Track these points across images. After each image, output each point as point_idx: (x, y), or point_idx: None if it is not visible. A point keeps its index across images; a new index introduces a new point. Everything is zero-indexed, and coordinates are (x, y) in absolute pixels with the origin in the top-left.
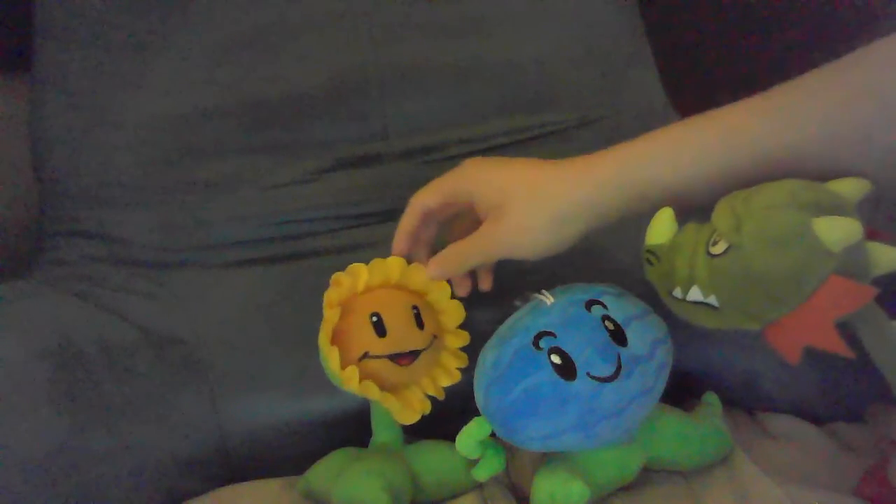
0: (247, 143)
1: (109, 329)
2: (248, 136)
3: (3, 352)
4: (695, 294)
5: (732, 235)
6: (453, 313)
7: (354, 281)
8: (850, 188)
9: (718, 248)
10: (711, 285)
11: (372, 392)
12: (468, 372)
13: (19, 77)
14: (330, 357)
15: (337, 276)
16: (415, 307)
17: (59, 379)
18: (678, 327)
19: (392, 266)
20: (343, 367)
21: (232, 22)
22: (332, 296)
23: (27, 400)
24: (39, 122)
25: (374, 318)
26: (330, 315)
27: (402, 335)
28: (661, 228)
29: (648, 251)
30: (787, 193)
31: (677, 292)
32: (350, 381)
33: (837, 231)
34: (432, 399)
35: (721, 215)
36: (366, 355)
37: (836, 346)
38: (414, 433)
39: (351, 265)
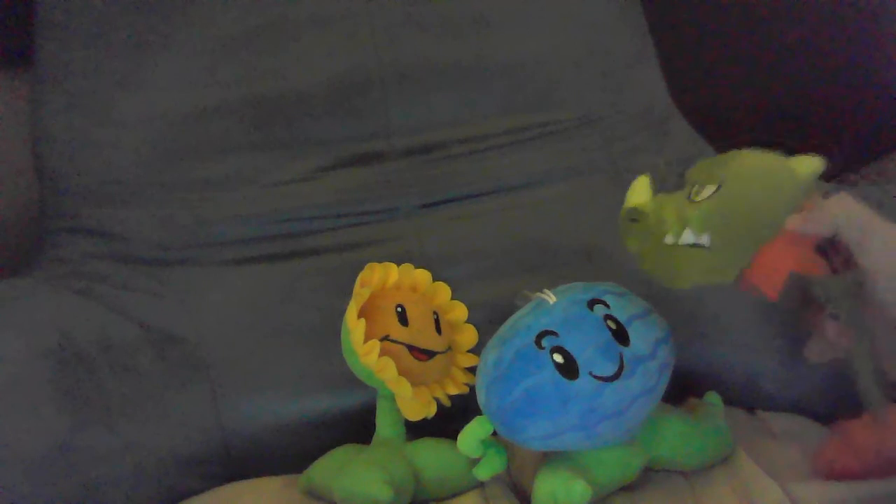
0: (248, 141)
1: (110, 327)
2: (249, 135)
3: (4, 350)
4: (687, 236)
5: (718, 179)
6: (468, 335)
7: (387, 272)
8: (806, 166)
9: (704, 195)
10: (705, 223)
11: (389, 369)
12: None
13: (20, 76)
14: (355, 329)
15: (372, 264)
16: (435, 313)
17: (59, 377)
18: (679, 327)
19: (419, 276)
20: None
21: (233, 20)
22: (365, 276)
23: (28, 398)
24: (40, 120)
25: (399, 309)
26: (361, 292)
27: (422, 331)
28: (642, 191)
29: (631, 211)
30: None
31: (669, 238)
32: (370, 353)
33: (809, 165)
34: (435, 400)
35: (701, 171)
36: (386, 338)
37: (814, 266)
38: (416, 431)
39: (384, 263)
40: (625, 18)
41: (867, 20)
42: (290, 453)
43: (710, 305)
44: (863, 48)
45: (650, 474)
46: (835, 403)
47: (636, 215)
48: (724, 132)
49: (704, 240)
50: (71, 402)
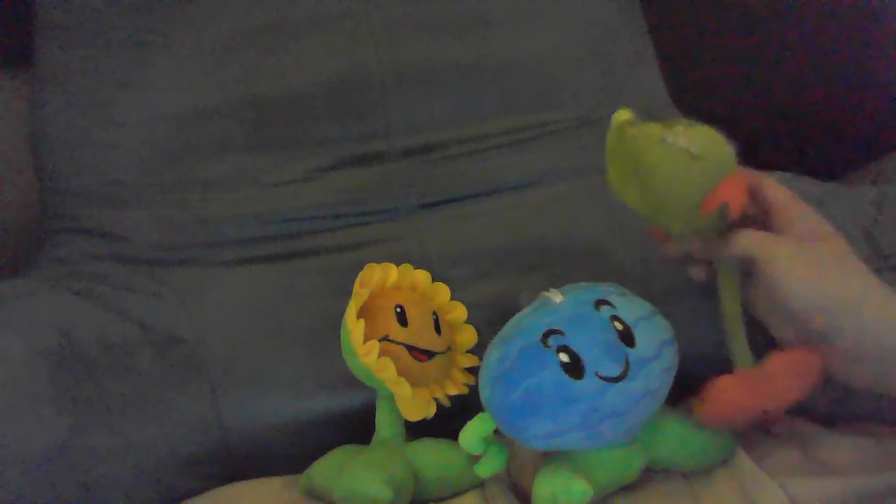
0: (247, 141)
1: (110, 327)
2: (248, 135)
3: (4, 350)
4: (678, 138)
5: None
6: (467, 336)
7: (386, 272)
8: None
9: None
10: (688, 132)
11: (388, 370)
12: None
13: (20, 76)
14: (355, 330)
15: (371, 264)
16: (435, 314)
17: (59, 377)
18: (681, 329)
19: (419, 276)
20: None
21: (233, 21)
22: (365, 276)
23: (27, 399)
24: (40, 120)
25: (398, 309)
26: (361, 293)
27: (422, 331)
28: (623, 113)
29: (622, 124)
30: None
31: (667, 137)
32: (370, 353)
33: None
34: (435, 401)
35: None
36: (386, 338)
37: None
38: (415, 432)
39: (383, 263)
40: (625, 18)
41: (867, 20)
42: (290, 453)
43: (710, 306)
44: (863, 48)
45: (650, 474)
46: (834, 404)
47: (626, 126)
48: (723, 132)
49: (695, 148)
50: (71, 402)
